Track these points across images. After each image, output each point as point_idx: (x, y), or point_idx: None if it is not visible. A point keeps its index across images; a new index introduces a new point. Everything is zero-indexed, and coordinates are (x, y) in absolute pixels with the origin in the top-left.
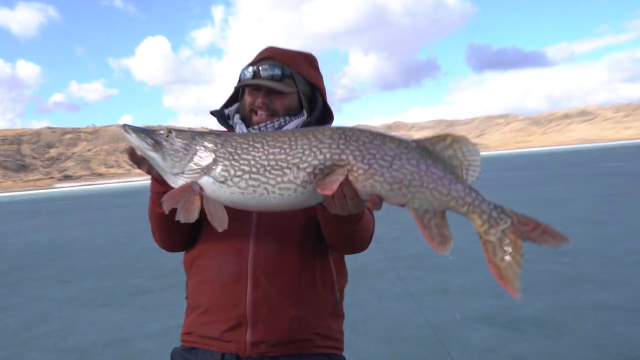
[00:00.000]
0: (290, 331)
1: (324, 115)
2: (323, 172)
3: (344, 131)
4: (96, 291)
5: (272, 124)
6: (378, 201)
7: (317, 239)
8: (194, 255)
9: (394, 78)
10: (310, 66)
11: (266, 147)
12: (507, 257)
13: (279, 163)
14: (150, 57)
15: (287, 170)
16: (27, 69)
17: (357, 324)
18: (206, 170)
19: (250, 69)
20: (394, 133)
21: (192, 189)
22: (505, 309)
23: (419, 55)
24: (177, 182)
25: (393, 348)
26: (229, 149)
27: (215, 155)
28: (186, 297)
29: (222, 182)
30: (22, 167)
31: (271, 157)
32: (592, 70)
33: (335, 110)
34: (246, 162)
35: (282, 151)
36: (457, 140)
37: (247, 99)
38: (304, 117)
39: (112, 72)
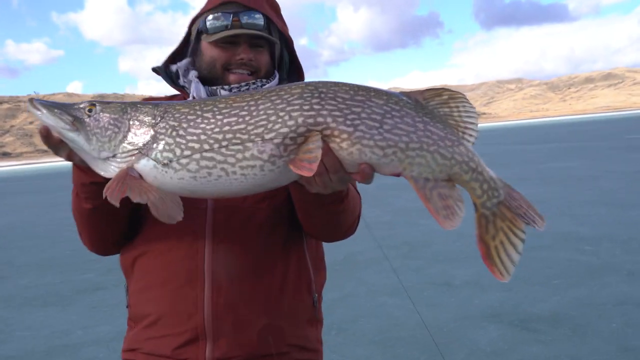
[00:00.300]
0: (261, 344)
1: (292, 73)
2: (296, 142)
3: (316, 87)
4: (37, 288)
5: (248, 86)
6: (369, 171)
7: (289, 226)
8: (135, 255)
9: (390, 37)
10: (274, 12)
11: (219, 117)
12: (500, 236)
13: (238, 135)
14: (102, 13)
15: (249, 144)
16: None
17: (344, 324)
18: (144, 150)
19: (212, 16)
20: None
21: (130, 175)
22: (517, 305)
23: (419, 10)
24: (108, 170)
25: (387, 351)
26: (171, 122)
27: (154, 131)
28: (127, 306)
29: (166, 166)
30: None
31: (226, 128)
32: (620, 26)
33: (321, 74)
34: (195, 137)
35: (241, 120)
36: (454, 97)
37: (221, 54)
38: (277, 79)
39: (57, 30)
